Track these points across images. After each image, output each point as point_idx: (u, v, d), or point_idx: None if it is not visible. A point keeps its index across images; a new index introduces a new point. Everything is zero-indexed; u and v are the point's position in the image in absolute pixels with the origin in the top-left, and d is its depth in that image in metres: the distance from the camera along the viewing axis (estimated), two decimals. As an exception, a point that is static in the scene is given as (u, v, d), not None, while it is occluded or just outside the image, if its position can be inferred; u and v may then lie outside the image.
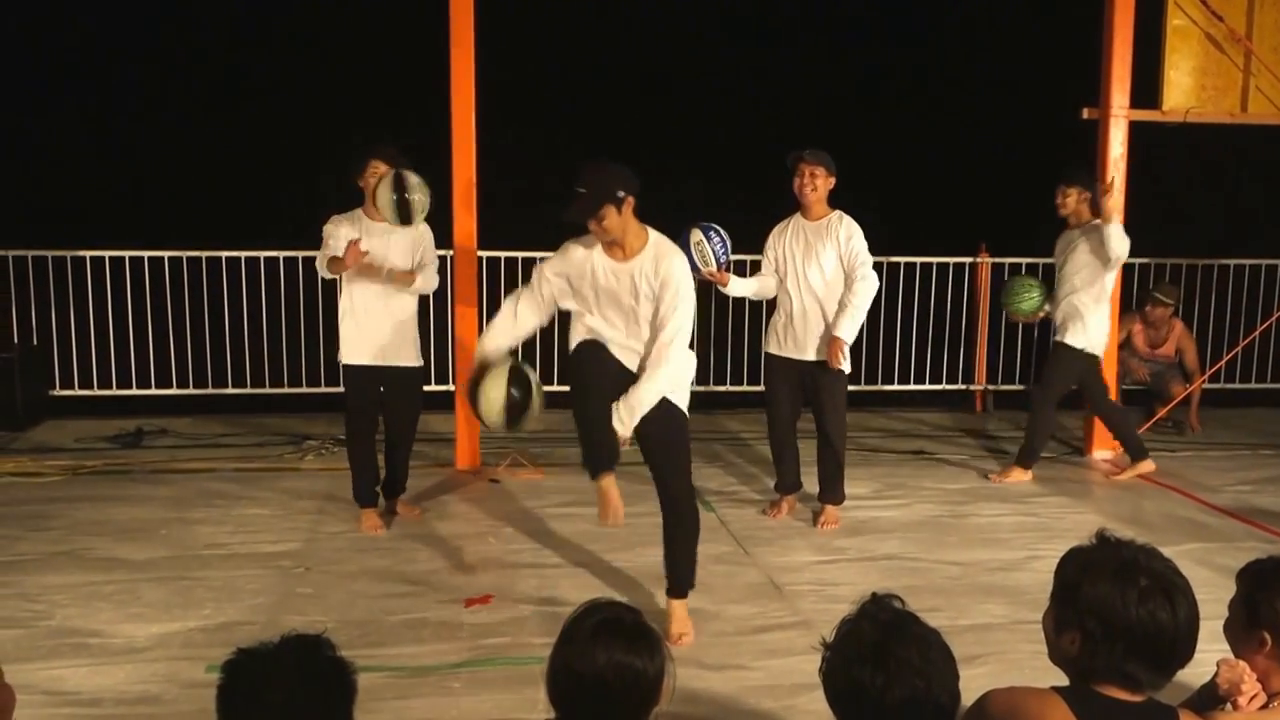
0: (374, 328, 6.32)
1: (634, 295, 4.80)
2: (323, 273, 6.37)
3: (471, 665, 4.68)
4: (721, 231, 6.43)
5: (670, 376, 4.81)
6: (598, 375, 4.81)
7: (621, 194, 4.68)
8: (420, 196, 6.15)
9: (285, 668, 2.28)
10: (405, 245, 6.36)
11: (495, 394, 4.78)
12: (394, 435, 6.62)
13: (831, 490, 6.74)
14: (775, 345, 6.72)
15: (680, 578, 5.10)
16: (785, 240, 6.62)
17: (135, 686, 4.45)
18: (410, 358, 6.47)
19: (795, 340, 6.60)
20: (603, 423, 4.73)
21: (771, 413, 6.81)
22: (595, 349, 4.86)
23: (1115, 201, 7.48)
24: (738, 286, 6.69)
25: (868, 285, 6.43)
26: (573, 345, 4.93)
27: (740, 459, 8.16)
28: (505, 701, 4.34)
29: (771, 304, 6.83)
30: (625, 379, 4.80)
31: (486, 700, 4.37)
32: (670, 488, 5.02)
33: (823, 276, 6.48)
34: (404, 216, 6.12)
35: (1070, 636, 2.48)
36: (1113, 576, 2.43)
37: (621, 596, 2.77)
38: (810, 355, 6.57)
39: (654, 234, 4.88)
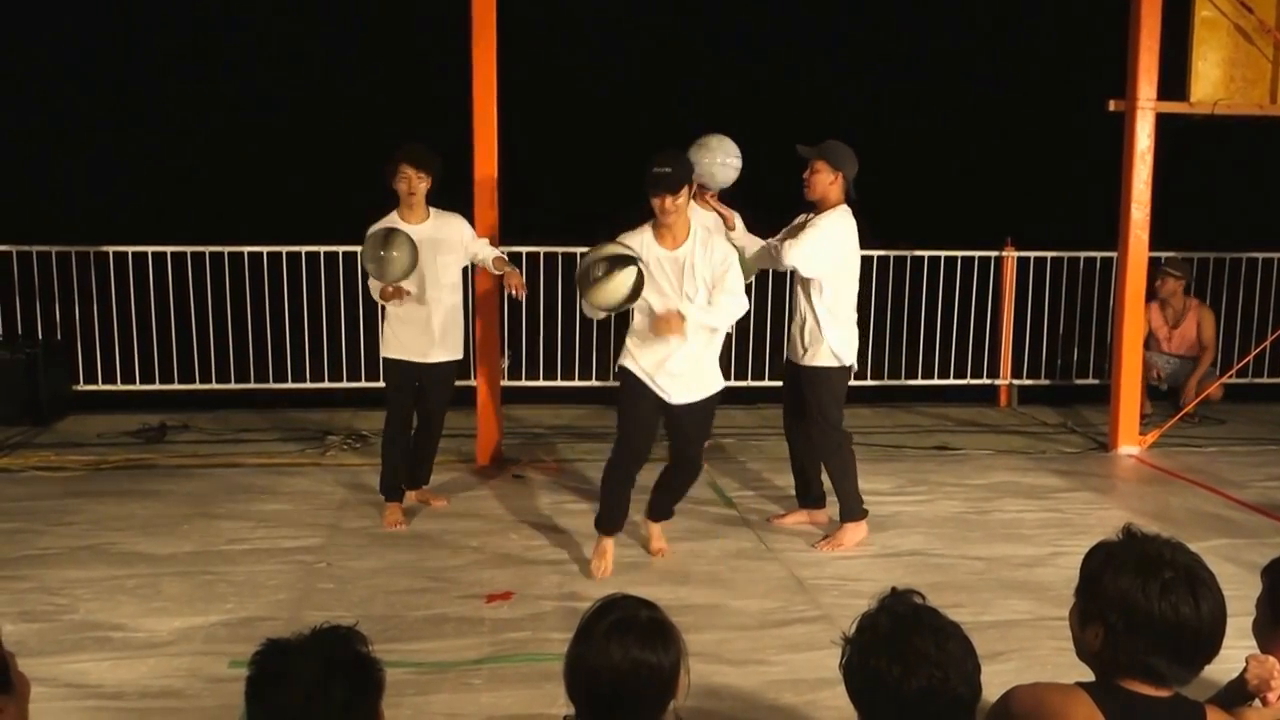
0: (419, 326, 6.36)
1: (683, 278, 5.48)
2: (374, 294, 6.35)
3: (492, 661, 4.67)
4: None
5: (729, 308, 5.59)
6: (645, 443, 5.72)
7: (692, 180, 5.44)
8: (401, 255, 6.07)
9: (315, 660, 2.28)
10: (447, 241, 6.41)
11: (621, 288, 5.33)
12: (423, 422, 6.67)
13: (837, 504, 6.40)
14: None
15: (667, 510, 6.07)
16: (793, 229, 6.43)
17: (158, 680, 4.46)
18: (451, 351, 6.51)
19: (789, 339, 6.44)
20: (628, 491, 5.75)
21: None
22: (649, 408, 5.62)
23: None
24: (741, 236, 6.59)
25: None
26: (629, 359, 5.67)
27: (762, 456, 8.13)
28: (526, 697, 4.33)
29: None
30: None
31: (507, 696, 4.36)
32: (691, 452, 5.86)
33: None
34: (380, 273, 6.12)
35: (1094, 631, 2.46)
36: (1135, 569, 2.42)
37: (641, 592, 2.75)
38: (795, 356, 6.33)
39: (694, 222, 5.57)
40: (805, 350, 6.20)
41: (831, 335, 6.12)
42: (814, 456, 6.44)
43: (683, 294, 5.48)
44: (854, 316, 6.31)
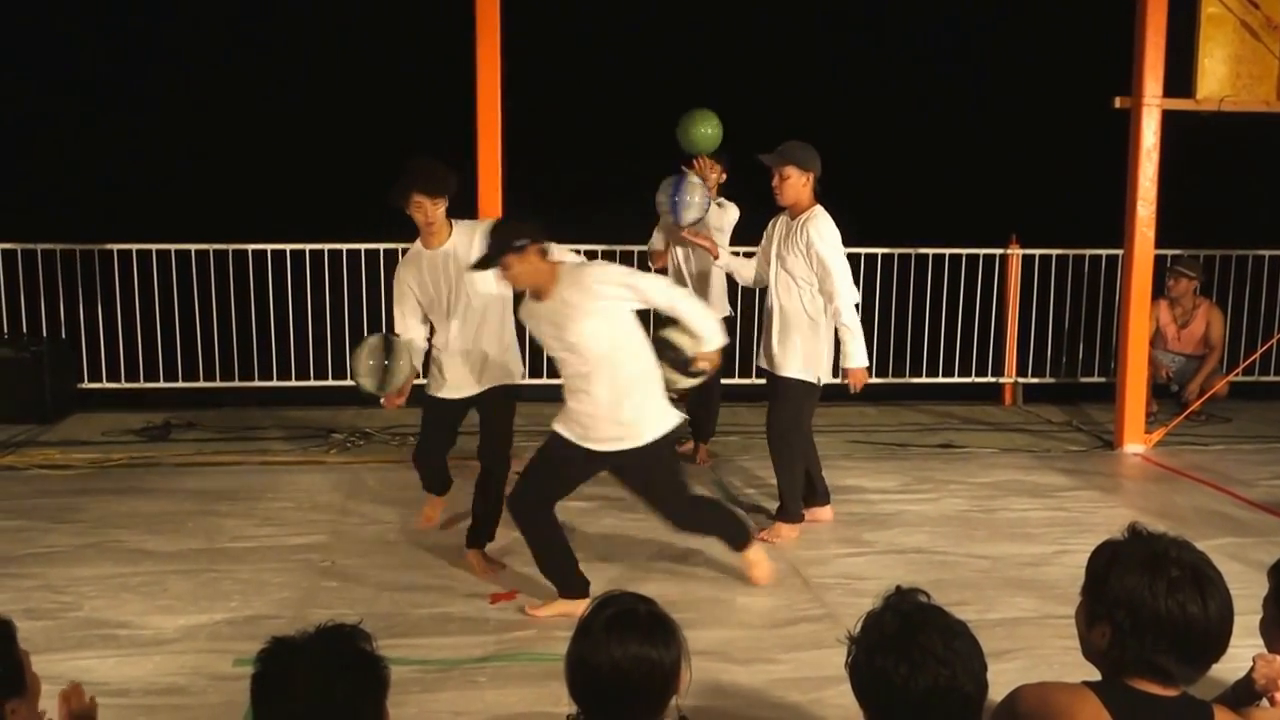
0: (465, 362, 5.70)
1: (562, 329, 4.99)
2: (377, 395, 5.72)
3: (497, 660, 4.67)
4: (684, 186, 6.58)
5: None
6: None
7: (522, 243, 4.83)
8: (404, 364, 5.52)
9: (320, 657, 2.28)
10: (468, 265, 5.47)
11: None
12: (485, 460, 5.87)
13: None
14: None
15: None
16: (771, 236, 6.35)
17: (163, 678, 4.47)
18: (501, 377, 5.76)
19: (764, 344, 6.34)
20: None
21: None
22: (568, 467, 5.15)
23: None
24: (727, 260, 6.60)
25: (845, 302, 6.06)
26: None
27: (766, 453, 8.09)
28: (530, 695, 4.33)
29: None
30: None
31: (511, 694, 4.36)
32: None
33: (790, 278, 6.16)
34: (381, 384, 5.50)
35: (1101, 630, 2.46)
36: (1141, 568, 2.41)
37: (646, 590, 2.74)
38: (763, 362, 6.34)
39: (563, 269, 5.00)
40: (777, 360, 6.20)
41: (809, 347, 6.10)
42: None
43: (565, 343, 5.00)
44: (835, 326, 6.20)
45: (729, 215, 7.48)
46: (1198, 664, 2.43)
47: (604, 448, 5.03)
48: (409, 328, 5.71)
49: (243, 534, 6.22)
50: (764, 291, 6.52)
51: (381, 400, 5.67)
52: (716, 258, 6.58)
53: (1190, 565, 2.42)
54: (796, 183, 6.06)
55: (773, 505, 6.66)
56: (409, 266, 5.69)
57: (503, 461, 5.82)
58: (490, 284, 5.36)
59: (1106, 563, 2.48)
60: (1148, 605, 2.38)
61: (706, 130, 7.29)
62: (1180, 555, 2.44)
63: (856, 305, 6.12)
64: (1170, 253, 9.39)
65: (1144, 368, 8.47)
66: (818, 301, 6.09)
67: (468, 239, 5.51)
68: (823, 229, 6.02)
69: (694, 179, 7.06)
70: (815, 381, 6.19)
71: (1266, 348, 9.51)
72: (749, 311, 8.26)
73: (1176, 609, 2.37)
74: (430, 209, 5.48)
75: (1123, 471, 7.95)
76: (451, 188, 5.59)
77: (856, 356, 6.11)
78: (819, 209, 6.11)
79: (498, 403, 5.78)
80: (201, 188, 16.71)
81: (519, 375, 5.93)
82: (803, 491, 6.48)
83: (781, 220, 6.29)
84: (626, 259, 8.65)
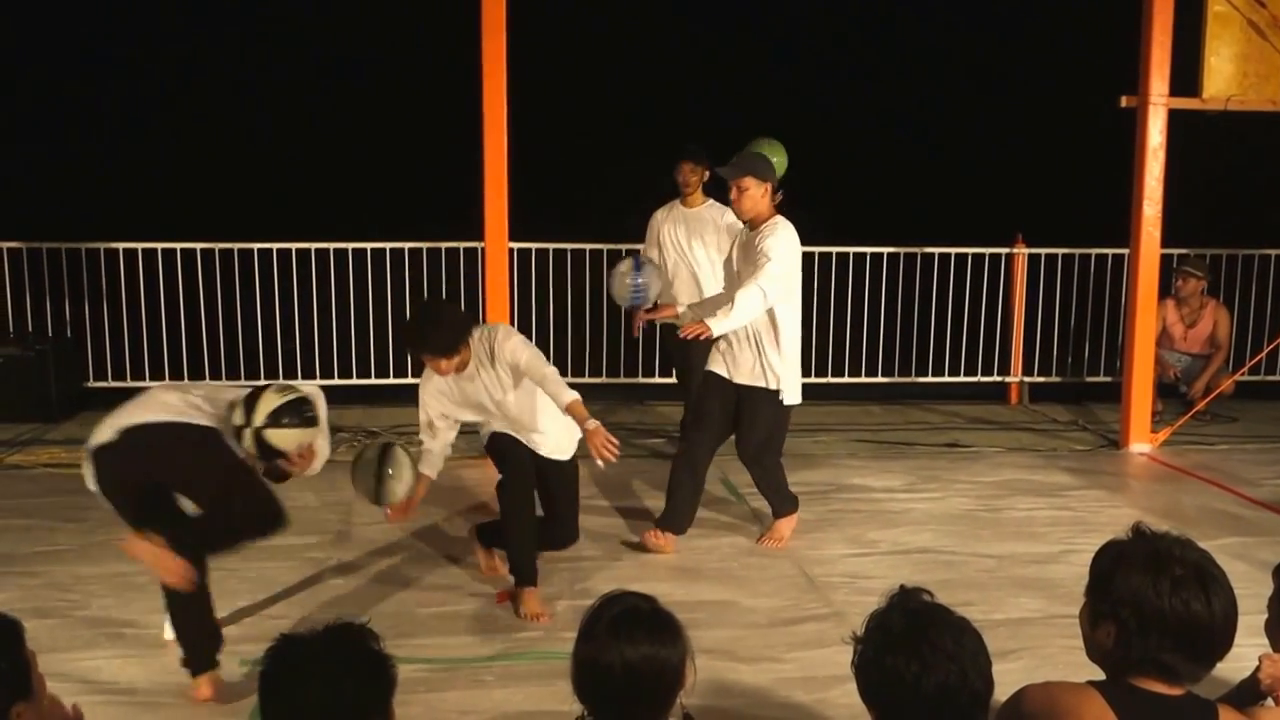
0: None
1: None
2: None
3: (504, 659, 4.68)
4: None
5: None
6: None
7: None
8: (409, 478, 5.10)
9: (328, 656, 2.28)
10: (506, 379, 5.34)
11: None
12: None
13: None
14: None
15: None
16: (734, 249, 6.21)
17: (169, 677, 4.46)
18: (554, 450, 5.57)
19: (727, 358, 6.06)
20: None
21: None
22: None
23: None
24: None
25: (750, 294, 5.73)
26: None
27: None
28: (537, 695, 4.34)
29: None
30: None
31: (518, 693, 4.37)
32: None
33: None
34: (380, 497, 5.12)
35: (1105, 629, 2.46)
36: (1145, 567, 2.42)
37: (652, 590, 2.74)
38: (738, 377, 6.02)
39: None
40: (746, 371, 5.99)
41: (776, 366, 5.93)
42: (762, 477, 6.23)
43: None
44: (799, 346, 6.05)
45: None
46: (1203, 661, 2.43)
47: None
48: (437, 433, 5.45)
49: (249, 533, 6.21)
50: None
51: (384, 513, 5.41)
52: (704, 334, 5.73)
53: (1193, 564, 2.43)
54: (755, 194, 5.88)
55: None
56: (439, 382, 5.38)
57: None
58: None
59: (1110, 562, 2.49)
60: (1153, 604, 2.38)
61: (775, 161, 7.11)
62: (1184, 554, 2.44)
63: (765, 310, 5.80)
64: (1176, 252, 9.38)
65: (1150, 367, 8.46)
66: (780, 309, 5.88)
67: (486, 352, 5.32)
68: (781, 234, 5.85)
69: (645, 259, 7.06)
70: (780, 391, 5.98)
71: (1273, 347, 9.49)
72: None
73: (1181, 607, 2.37)
74: (447, 364, 5.19)
75: (1129, 471, 7.94)
76: (459, 338, 5.18)
77: (716, 326, 5.64)
78: (780, 219, 5.94)
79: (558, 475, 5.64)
80: (208, 186, 16.75)
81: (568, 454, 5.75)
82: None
83: (740, 233, 6.15)
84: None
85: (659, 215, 7.51)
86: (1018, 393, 10.15)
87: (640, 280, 6.83)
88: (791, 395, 6.00)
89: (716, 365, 6.10)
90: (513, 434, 5.42)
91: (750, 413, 5.99)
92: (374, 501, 5.12)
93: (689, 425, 6.10)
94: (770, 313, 5.86)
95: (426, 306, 5.71)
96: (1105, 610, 2.46)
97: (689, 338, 5.72)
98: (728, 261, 6.32)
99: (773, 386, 5.94)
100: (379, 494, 5.03)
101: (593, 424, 5.01)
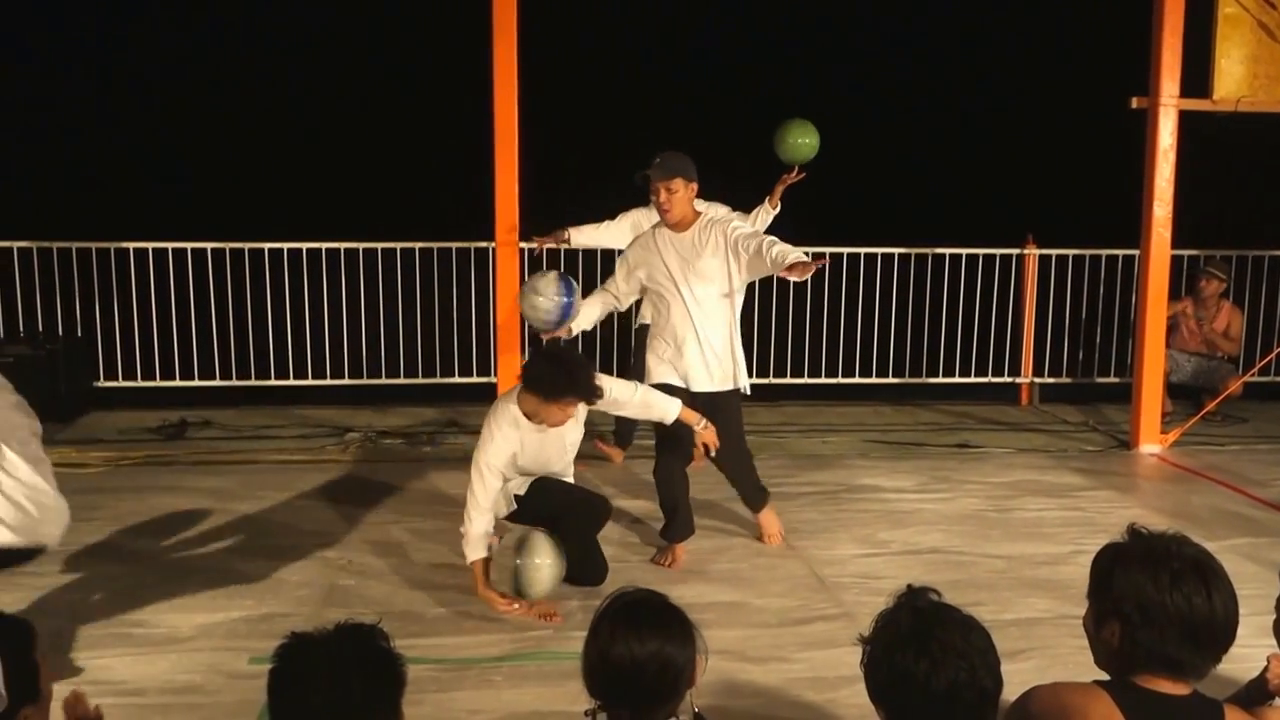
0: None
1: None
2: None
3: (514, 659, 4.67)
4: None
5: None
6: None
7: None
8: (549, 563, 5.09)
9: (338, 655, 2.29)
10: (575, 434, 5.51)
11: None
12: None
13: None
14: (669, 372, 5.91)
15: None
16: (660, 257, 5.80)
17: (179, 676, 4.47)
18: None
19: (694, 366, 5.84)
20: None
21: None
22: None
23: None
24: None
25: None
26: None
27: (783, 453, 8.12)
28: (547, 694, 4.33)
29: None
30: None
31: (528, 693, 4.36)
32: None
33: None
34: (521, 588, 5.09)
35: (1110, 628, 2.48)
36: (1144, 564, 2.46)
37: (662, 589, 2.75)
38: (705, 385, 5.85)
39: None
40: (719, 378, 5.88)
41: (741, 364, 5.91)
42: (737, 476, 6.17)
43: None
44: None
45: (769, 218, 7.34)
46: (1208, 654, 2.46)
47: None
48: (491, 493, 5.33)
49: (259, 532, 6.23)
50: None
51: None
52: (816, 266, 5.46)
53: (1191, 559, 2.46)
54: (685, 196, 5.64)
55: (789, 505, 6.67)
56: (509, 430, 5.28)
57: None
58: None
59: (1109, 562, 2.53)
60: (1154, 599, 2.41)
61: (803, 140, 7.01)
62: (1180, 550, 2.48)
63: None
64: (1186, 253, 9.37)
65: (1160, 368, 8.45)
66: (736, 300, 5.78)
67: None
68: (722, 215, 5.75)
69: (569, 279, 6.02)
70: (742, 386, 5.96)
71: (1284, 348, 9.49)
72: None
73: (1182, 601, 2.40)
74: (583, 408, 5.36)
75: (1139, 471, 7.93)
76: (593, 378, 5.19)
77: (797, 253, 5.41)
78: (709, 207, 5.86)
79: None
80: (218, 186, 16.78)
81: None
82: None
83: (663, 244, 5.77)
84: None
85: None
86: (1028, 393, 10.13)
87: (570, 299, 5.78)
88: (746, 384, 5.99)
89: (668, 375, 5.86)
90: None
91: (725, 418, 5.81)
92: (514, 594, 5.13)
93: (660, 447, 5.90)
94: (730, 309, 5.79)
95: (554, 353, 5.44)
96: (1108, 609, 2.48)
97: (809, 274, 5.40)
98: (634, 278, 5.94)
99: (741, 384, 5.93)
100: (519, 586, 5.10)
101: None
